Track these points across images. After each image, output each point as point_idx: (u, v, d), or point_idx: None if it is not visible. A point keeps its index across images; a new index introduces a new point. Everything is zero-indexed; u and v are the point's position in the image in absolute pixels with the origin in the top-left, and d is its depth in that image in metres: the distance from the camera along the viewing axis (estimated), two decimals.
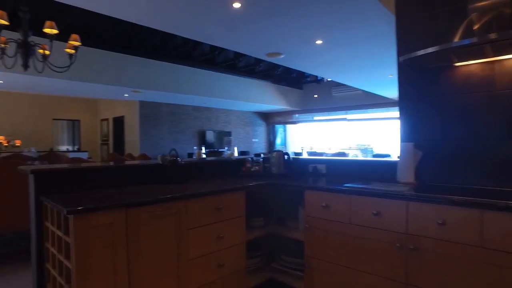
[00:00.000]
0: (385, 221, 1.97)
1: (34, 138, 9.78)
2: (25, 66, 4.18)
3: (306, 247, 2.43)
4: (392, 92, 8.66)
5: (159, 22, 4.17)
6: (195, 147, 9.85)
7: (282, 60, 5.88)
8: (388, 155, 6.92)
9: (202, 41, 5.01)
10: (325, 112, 11.88)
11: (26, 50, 4.18)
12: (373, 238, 2.02)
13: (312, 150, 10.94)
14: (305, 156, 7.79)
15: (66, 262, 1.76)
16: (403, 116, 2.46)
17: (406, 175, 2.30)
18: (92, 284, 1.68)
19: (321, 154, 8.93)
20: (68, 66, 4.44)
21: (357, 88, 9.83)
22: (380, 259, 2.00)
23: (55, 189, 2.13)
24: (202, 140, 10.73)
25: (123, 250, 1.80)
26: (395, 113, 10.13)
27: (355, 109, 11.00)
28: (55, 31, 3.99)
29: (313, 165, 3.16)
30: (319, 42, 4.74)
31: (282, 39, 4.62)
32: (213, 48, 8.01)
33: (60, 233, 1.81)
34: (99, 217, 1.72)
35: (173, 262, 2.03)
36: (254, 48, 5.14)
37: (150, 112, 9.46)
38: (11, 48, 4.23)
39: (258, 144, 13.03)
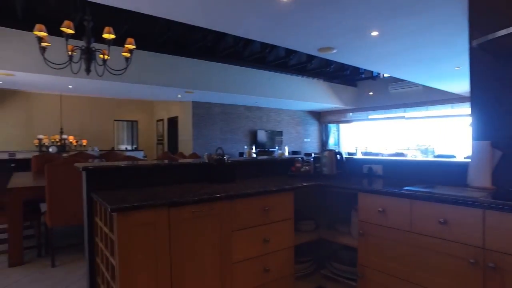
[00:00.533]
0: (454, 231, 1.70)
1: (98, 138, 10.54)
2: (88, 70, 4.45)
3: (359, 254, 2.22)
4: (458, 86, 7.87)
5: (209, 21, 4.17)
6: (245, 147, 9.91)
7: (334, 55, 5.61)
8: (452, 156, 6.28)
9: (251, 38, 4.93)
10: (381, 110, 11.21)
11: (88, 56, 4.45)
12: (438, 250, 1.76)
13: (367, 151, 10.39)
14: (358, 156, 7.39)
15: (111, 259, 1.76)
16: (476, 110, 2.13)
17: (480, 179, 1.99)
18: (135, 282, 1.67)
19: (376, 154, 8.43)
20: (125, 69, 4.64)
21: (416, 84, 9.11)
22: (447, 275, 1.73)
23: (105, 186, 2.18)
24: (253, 139, 10.74)
25: (166, 250, 1.76)
26: (462, 109, 9.22)
27: (414, 106, 10.22)
28: (112, 36, 4.18)
29: (368, 165, 2.91)
30: (375, 33, 4.41)
31: (334, 32, 4.38)
32: (264, 46, 7.94)
33: (106, 230, 1.83)
34: (142, 216, 1.70)
35: (217, 264, 1.96)
36: (304, 43, 4.95)
37: (203, 112, 9.68)
38: (75, 55, 4.52)
39: (310, 144, 12.73)
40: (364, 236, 2.18)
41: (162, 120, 11.36)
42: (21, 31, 5.62)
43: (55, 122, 9.56)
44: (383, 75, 10.77)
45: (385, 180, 2.59)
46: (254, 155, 7.05)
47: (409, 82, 9.08)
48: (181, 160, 2.96)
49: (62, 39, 4.03)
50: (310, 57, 8.72)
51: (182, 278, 1.82)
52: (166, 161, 3.41)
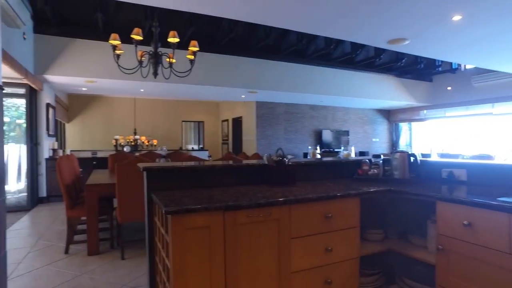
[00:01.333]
0: None
1: (168, 138, 11.18)
2: (155, 73, 4.67)
3: (438, 273, 1.92)
4: None
5: (273, 19, 4.08)
6: (309, 147, 9.65)
7: (406, 47, 5.12)
8: None
9: (316, 33, 4.71)
10: (462, 107, 10.03)
11: (155, 60, 4.67)
12: None
13: (444, 152, 9.39)
14: (435, 158, 6.68)
15: (166, 260, 1.75)
16: None
17: None
18: (188, 286, 1.62)
19: (455, 156, 7.54)
20: (189, 71, 4.78)
21: (508, 74, 7.97)
22: None
23: (164, 186, 2.20)
24: (318, 139, 10.44)
25: (220, 255, 1.69)
26: None
27: (506, 101, 8.95)
28: (177, 40, 4.32)
29: (448, 169, 2.54)
30: (457, 18, 3.89)
31: (406, 20, 3.97)
32: (328, 43, 7.63)
33: (163, 231, 1.83)
34: (197, 219, 1.65)
35: (274, 273, 1.84)
36: (373, 35, 4.59)
37: (266, 112, 9.67)
38: (144, 60, 4.78)
39: (379, 144, 11.96)
40: (444, 253, 1.88)
41: (227, 120, 11.64)
42: (101, 41, 6.15)
43: (129, 124, 10.37)
44: (464, 66, 9.65)
45: (470, 188, 2.23)
46: (318, 156, 6.79)
47: (498, 72, 7.98)
48: (245, 161, 2.92)
49: (133, 46, 4.27)
50: (379, 51, 8.15)
51: (237, 285, 1.74)
52: (230, 162, 3.40)
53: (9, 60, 4.72)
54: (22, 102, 6.15)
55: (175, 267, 1.61)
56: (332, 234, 2.02)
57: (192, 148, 11.72)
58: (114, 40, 4.29)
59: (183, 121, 11.87)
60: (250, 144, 9.85)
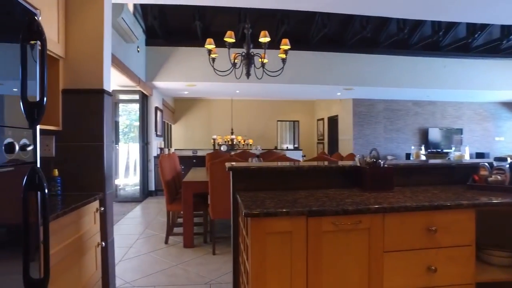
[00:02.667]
0: None
1: (263, 137, 11.42)
2: (248, 74, 4.76)
3: None
4: None
5: (375, 8, 3.74)
6: (412, 147, 8.71)
7: None
8: None
9: (427, 18, 4.14)
10: None
11: (248, 61, 4.76)
12: None
13: None
14: None
15: (246, 263, 1.69)
16: None
17: None
18: None
19: None
20: (281, 69, 4.73)
21: None
22: None
23: (248, 187, 2.16)
24: (423, 139, 9.36)
25: (302, 263, 1.56)
26: None
27: None
28: (268, 39, 4.31)
29: None
30: None
31: None
32: (436, 29, 6.72)
33: (244, 232, 1.78)
34: (278, 224, 1.55)
35: None
36: (500, 11, 3.81)
37: (364, 110, 9.07)
38: (237, 62, 4.92)
39: (504, 144, 10.10)
40: None
41: (322, 119, 11.33)
42: (199, 48, 6.58)
43: (227, 124, 10.93)
44: None
45: None
46: (423, 157, 6.02)
47: None
48: (340, 163, 2.73)
49: (228, 50, 4.43)
50: (505, 32, 6.84)
51: None
52: (324, 162, 3.23)
53: (126, 71, 5.39)
54: (136, 107, 7.01)
55: (254, 272, 1.53)
56: (436, 251, 1.69)
57: (287, 147, 11.76)
58: (209, 45, 4.52)
59: (278, 120, 12.00)
60: (347, 144, 9.38)
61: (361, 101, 9.05)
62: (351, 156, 5.51)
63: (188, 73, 6.57)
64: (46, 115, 2.00)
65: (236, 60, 4.88)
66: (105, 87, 2.19)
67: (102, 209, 2.12)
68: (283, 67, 4.72)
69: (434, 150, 8.74)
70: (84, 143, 2.11)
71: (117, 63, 4.89)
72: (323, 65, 6.97)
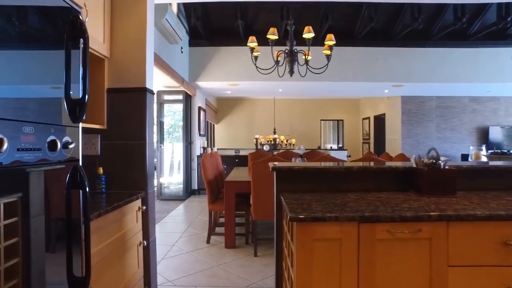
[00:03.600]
0: None
1: (306, 137, 11.18)
2: (291, 72, 4.62)
3: None
4: None
5: None
6: (471, 147, 8.01)
7: None
8: None
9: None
10: None
11: (291, 58, 4.62)
12: None
13: None
14: None
15: (291, 270, 1.57)
16: None
17: None
18: None
19: None
20: (325, 66, 4.54)
21: None
22: None
23: (293, 188, 2.03)
24: (483, 138, 8.57)
25: (353, 274, 1.41)
26: None
27: None
28: (312, 35, 4.15)
29: None
30: None
31: None
32: (501, 14, 6.06)
33: (289, 237, 1.66)
34: (326, 230, 1.41)
35: None
36: None
37: (414, 108, 8.52)
38: (280, 59, 4.80)
39: None
40: None
41: (368, 118, 10.85)
42: (242, 47, 6.56)
43: (269, 123, 10.84)
44: None
45: None
46: (484, 158, 5.48)
47: None
48: (388, 163, 2.51)
49: (270, 48, 4.34)
50: None
51: None
52: (370, 163, 3.03)
53: (170, 72, 5.50)
54: (181, 107, 7.15)
55: (299, 280, 1.41)
56: None
57: (331, 147, 11.42)
58: (252, 43, 4.45)
59: (321, 120, 11.69)
60: (394, 143, 8.88)
61: (410, 99, 8.51)
62: (402, 157, 5.16)
63: (230, 73, 6.58)
64: (92, 114, 2.04)
65: (279, 58, 4.76)
66: (148, 86, 2.18)
67: (144, 207, 2.11)
68: (327, 64, 4.53)
69: (499, 150, 7.95)
70: (128, 142, 2.11)
71: (161, 63, 5.00)
72: (370, 61, 6.63)
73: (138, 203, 2.03)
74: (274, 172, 2.08)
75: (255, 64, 4.59)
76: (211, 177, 3.93)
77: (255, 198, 3.37)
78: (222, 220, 4.18)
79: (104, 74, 2.11)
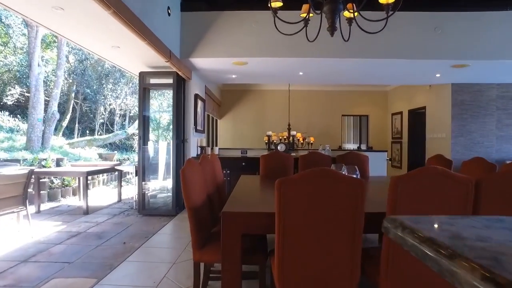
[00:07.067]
0: None
1: (325, 134, 9.44)
2: (333, 28, 2.90)
3: None
4: None
5: None
6: None
7: None
8: None
9: None
10: None
11: (333, 6, 2.91)
12: None
13: None
14: None
15: None
16: None
17: None
18: None
19: None
20: (386, 19, 2.80)
21: None
22: None
23: None
24: None
25: None
26: None
27: None
28: None
29: None
30: None
31: None
32: None
33: None
34: None
35: None
36: None
37: (468, 99, 6.73)
38: (312, 17, 3.10)
39: None
40: None
41: (400, 113, 9.05)
42: (252, 11, 4.86)
43: (282, 119, 9.11)
44: None
45: None
46: None
47: None
48: None
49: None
50: None
51: None
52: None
53: (152, 39, 3.81)
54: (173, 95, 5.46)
55: None
56: None
57: (358, 147, 9.68)
58: (276, 2, 2.82)
59: (343, 115, 9.93)
60: (439, 143, 7.11)
61: (464, 87, 6.72)
62: (482, 161, 3.37)
63: (236, 46, 4.87)
64: None
65: (310, 16, 3.06)
66: None
67: None
68: (388, 17, 2.79)
69: None
70: None
71: (135, 23, 3.30)
72: (428, 31, 4.86)
73: None
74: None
75: (276, 22, 2.91)
76: (198, 201, 2.22)
77: (286, 252, 1.67)
78: (219, 266, 2.48)
79: None
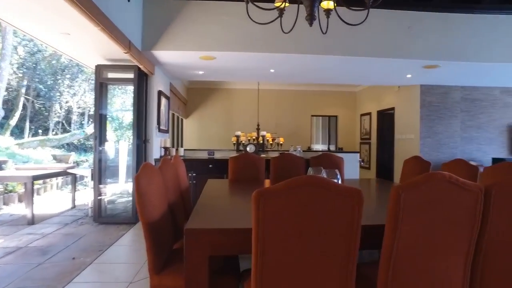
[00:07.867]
0: None
1: (294, 135, 9.27)
2: (311, 17, 2.62)
3: None
4: None
5: None
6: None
7: None
8: None
9: None
10: None
11: None
12: None
13: None
14: None
15: None
16: None
17: None
18: None
19: None
20: (367, 9, 2.57)
21: None
22: None
23: None
24: None
25: None
26: None
27: None
28: None
29: None
30: None
31: None
32: None
33: None
34: None
35: None
36: None
37: (435, 100, 6.79)
38: (287, 7, 2.82)
39: None
40: None
41: (368, 114, 9.07)
42: (222, 1, 4.51)
43: (252, 118, 8.82)
44: None
45: None
46: None
47: None
48: None
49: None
50: None
51: None
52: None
53: (109, 27, 3.35)
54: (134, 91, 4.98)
55: None
56: None
57: (328, 148, 9.58)
58: None
59: (312, 115, 9.81)
60: (408, 144, 7.14)
61: (432, 89, 6.78)
62: (459, 163, 3.27)
63: (204, 40, 4.50)
64: None
65: (285, 5, 2.77)
66: None
67: None
68: (369, 8, 2.57)
69: None
70: None
71: (90, 8, 2.85)
72: (401, 30, 4.76)
73: None
74: None
75: (249, 10, 2.59)
76: (156, 214, 1.85)
77: (264, 275, 1.35)
78: None
79: None
